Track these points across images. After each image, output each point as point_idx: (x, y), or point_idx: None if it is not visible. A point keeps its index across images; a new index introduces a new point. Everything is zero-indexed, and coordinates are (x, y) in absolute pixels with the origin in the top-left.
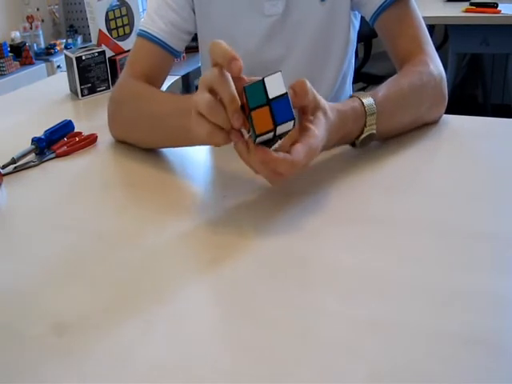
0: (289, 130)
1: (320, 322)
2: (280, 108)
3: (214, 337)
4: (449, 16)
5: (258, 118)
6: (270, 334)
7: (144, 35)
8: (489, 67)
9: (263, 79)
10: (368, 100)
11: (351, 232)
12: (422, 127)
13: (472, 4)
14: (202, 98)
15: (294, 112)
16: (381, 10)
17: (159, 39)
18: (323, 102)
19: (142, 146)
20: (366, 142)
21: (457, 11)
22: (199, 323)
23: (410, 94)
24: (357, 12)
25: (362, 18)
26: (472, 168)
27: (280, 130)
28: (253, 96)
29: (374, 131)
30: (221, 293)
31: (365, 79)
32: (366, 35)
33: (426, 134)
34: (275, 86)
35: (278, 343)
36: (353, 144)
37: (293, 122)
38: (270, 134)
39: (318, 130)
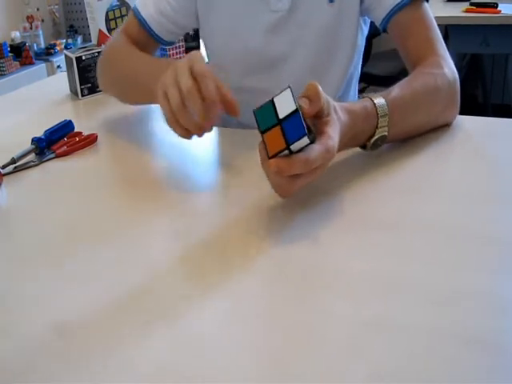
0: (306, 145)
1: (321, 323)
2: (291, 126)
3: (215, 337)
4: (449, 16)
5: (270, 140)
6: (271, 335)
7: (135, 13)
8: (489, 67)
9: (272, 99)
10: (380, 100)
11: (362, 236)
12: None
13: (472, 4)
14: (173, 93)
15: (310, 122)
16: (392, 13)
17: (146, 23)
18: (332, 102)
19: (123, 102)
20: (377, 144)
21: (457, 11)
22: (199, 324)
23: (423, 96)
24: (366, 17)
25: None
26: (476, 168)
27: (295, 147)
28: (263, 118)
29: (386, 133)
30: (221, 293)
31: (365, 79)
32: (366, 35)
33: (428, 135)
34: (285, 104)
35: (279, 343)
36: (363, 146)
37: (306, 137)
38: (286, 152)
39: (333, 131)
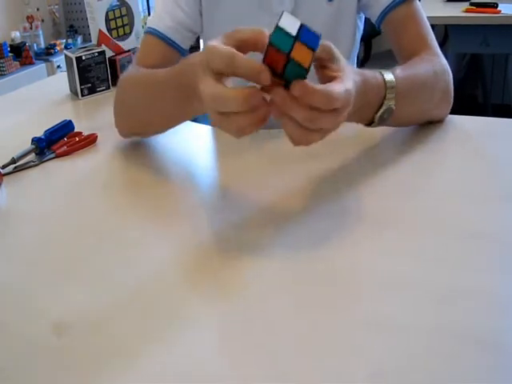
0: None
1: (321, 322)
2: (307, 36)
3: (215, 336)
4: (449, 16)
5: (298, 56)
6: (271, 335)
7: (151, 32)
8: (489, 67)
9: (278, 26)
10: (388, 75)
11: (362, 235)
12: (424, 127)
13: (472, 4)
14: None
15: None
16: (388, 9)
17: (166, 36)
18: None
19: (149, 132)
20: (384, 118)
21: (457, 11)
22: (200, 323)
23: (424, 79)
24: (362, 14)
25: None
26: (476, 168)
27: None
28: (281, 43)
29: (393, 106)
30: (220, 292)
31: None
32: (366, 35)
33: (427, 135)
34: (291, 24)
35: (279, 343)
36: (369, 124)
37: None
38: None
39: (347, 78)
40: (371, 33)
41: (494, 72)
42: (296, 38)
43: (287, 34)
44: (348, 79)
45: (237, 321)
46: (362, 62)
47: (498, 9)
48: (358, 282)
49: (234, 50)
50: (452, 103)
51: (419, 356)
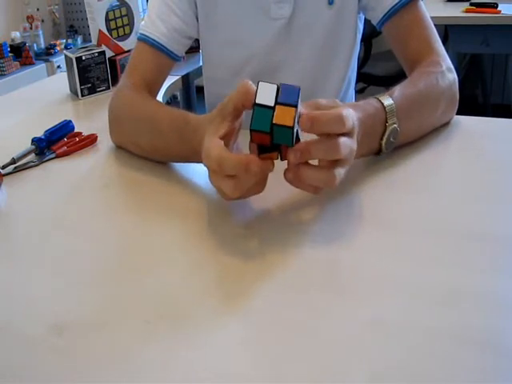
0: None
1: (321, 322)
2: (286, 94)
3: (214, 336)
4: (449, 16)
5: (280, 119)
6: (271, 334)
7: (145, 39)
8: (489, 67)
9: (256, 103)
10: (386, 100)
11: (362, 236)
12: None
13: (472, 4)
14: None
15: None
16: (391, 13)
17: (160, 44)
18: (334, 100)
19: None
20: (391, 142)
21: (457, 11)
22: (199, 322)
23: (426, 94)
24: (362, 14)
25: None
26: (476, 168)
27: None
28: (261, 125)
29: (396, 126)
30: (219, 291)
31: (365, 79)
32: (366, 35)
33: (428, 135)
34: (267, 92)
35: (279, 343)
36: (378, 152)
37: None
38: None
39: (343, 106)
40: (371, 33)
41: (493, 72)
42: (274, 105)
43: (266, 106)
44: (345, 107)
45: (237, 322)
46: (362, 62)
47: (498, 9)
48: (358, 283)
49: (223, 153)
50: (457, 106)
51: (419, 357)
